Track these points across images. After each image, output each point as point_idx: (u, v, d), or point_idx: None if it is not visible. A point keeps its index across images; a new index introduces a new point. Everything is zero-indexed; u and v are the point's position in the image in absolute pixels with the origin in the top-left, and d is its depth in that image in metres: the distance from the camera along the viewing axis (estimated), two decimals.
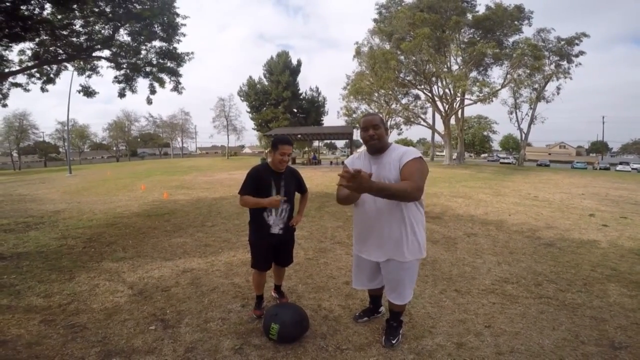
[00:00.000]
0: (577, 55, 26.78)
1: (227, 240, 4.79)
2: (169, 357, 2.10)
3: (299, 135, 30.49)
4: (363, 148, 2.25)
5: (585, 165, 39.53)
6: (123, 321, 2.53)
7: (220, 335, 2.33)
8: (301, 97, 43.78)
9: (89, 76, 9.40)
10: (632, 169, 38.84)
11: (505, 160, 45.51)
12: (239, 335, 2.33)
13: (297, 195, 2.76)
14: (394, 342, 2.21)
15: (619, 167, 39.20)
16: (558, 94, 29.17)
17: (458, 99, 28.36)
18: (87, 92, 9.15)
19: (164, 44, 8.95)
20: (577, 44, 26.36)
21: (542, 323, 2.53)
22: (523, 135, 34.29)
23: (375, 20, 30.18)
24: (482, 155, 67.81)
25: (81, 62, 9.11)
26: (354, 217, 2.24)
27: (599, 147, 67.25)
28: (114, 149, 65.68)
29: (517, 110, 32.92)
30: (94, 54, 8.69)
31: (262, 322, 2.30)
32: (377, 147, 2.04)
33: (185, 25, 8.81)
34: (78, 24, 7.80)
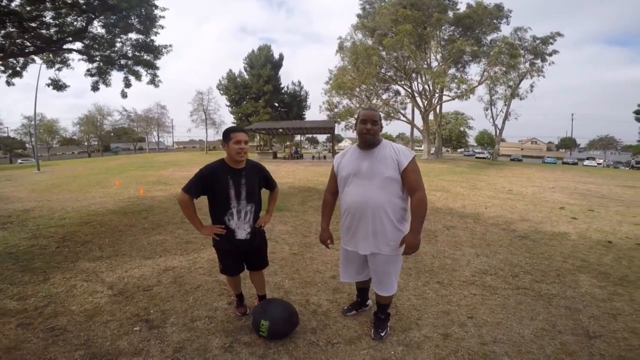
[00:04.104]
0: (551, 54, 27.89)
1: (209, 237, 4.71)
2: (157, 358, 2.05)
3: (281, 130, 30.27)
4: (352, 144, 2.29)
5: (555, 160, 41.48)
6: (105, 322, 2.44)
7: (208, 334, 2.30)
8: (283, 91, 43.40)
9: (59, 69, 8.90)
10: (598, 163, 41.17)
11: (481, 155, 47.02)
12: (227, 333, 2.30)
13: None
14: (382, 334, 2.25)
15: (586, 162, 41.39)
16: (531, 91, 30.29)
17: (437, 95, 28.94)
18: (57, 85, 8.68)
19: (141, 36, 8.59)
20: (552, 43, 27.46)
21: (521, 313, 2.64)
22: (497, 131, 35.59)
23: (358, 16, 30.23)
24: (459, 150, 69.72)
25: (50, 55, 8.61)
26: (340, 210, 2.27)
27: (568, 143, 70.60)
28: (85, 144, 62.84)
29: (493, 107, 34.15)
30: (64, 47, 8.23)
31: (251, 319, 2.28)
32: (370, 141, 2.08)
33: (163, 17, 8.49)
34: (48, 16, 7.35)
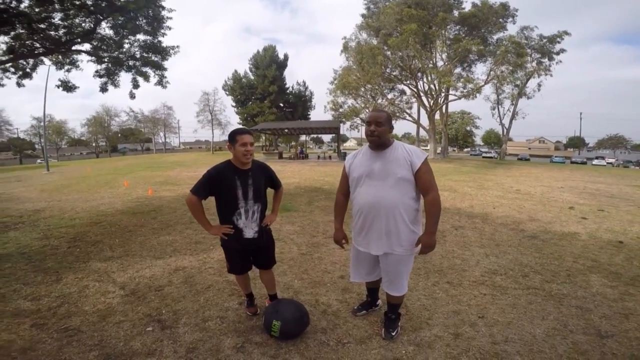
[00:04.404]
0: (558, 53, 27.49)
1: (218, 237, 4.73)
2: (171, 358, 2.07)
3: (286, 130, 30.37)
4: (364, 145, 2.31)
5: (563, 159, 40.95)
6: (118, 323, 2.47)
7: (220, 334, 2.32)
8: (288, 91, 43.55)
9: (68, 70, 9.02)
10: (607, 163, 40.57)
11: (488, 155, 46.61)
12: (239, 334, 2.32)
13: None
14: (393, 334, 2.26)
15: (595, 162, 40.79)
16: (539, 90, 29.95)
17: (443, 94, 28.74)
18: (67, 86, 8.79)
19: (149, 37, 8.68)
20: (559, 42, 27.05)
21: (531, 313, 2.62)
22: (504, 130, 35.28)
23: (363, 16, 30.16)
24: (465, 149, 69.25)
25: (59, 56, 8.73)
26: (352, 211, 2.28)
27: (576, 142, 69.68)
28: (93, 144, 63.62)
29: (499, 106, 33.87)
30: (73, 48, 8.33)
31: (263, 320, 2.29)
32: (376, 142, 2.11)
33: (171, 18, 8.58)
34: (57, 17, 7.45)
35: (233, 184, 2.22)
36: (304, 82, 44.98)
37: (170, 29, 8.75)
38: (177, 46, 9.26)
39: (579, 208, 7.14)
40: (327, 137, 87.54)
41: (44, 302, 2.82)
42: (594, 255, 4.06)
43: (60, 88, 8.84)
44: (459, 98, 26.90)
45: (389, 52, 26.54)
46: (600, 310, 2.69)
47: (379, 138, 2.08)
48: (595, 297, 2.92)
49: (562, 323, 2.48)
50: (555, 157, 43.49)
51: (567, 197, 8.78)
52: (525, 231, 5.18)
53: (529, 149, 69.27)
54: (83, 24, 7.91)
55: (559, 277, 3.36)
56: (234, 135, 2.23)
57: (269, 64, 41.04)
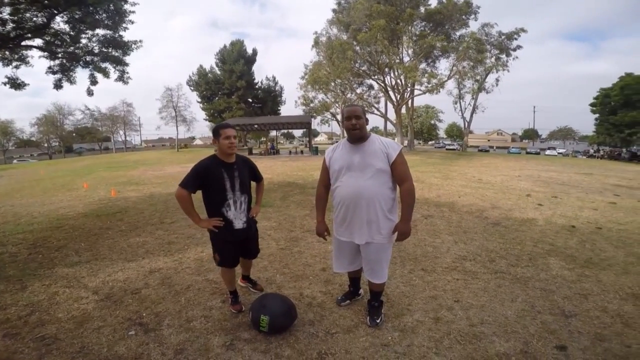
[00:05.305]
0: (515, 49, 29.14)
1: (192, 236, 4.60)
2: None
3: (256, 125, 29.87)
4: (343, 139, 2.37)
5: (519, 150, 43.74)
6: (97, 328, 2.37)
7: (207, 334, 2.29)
8: (257, 86, 42.76)
9: (17, 67, 8.22)
10: (558, 153, 43.90)
11: (451, 147, 48.70)
12: (226, 332, 2.31)
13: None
14: (378, 321, 2.36)
15: (548, 152, 43.94)
16: (497, 85, 31.71)
17: (409, 89, 29.63)
18: (15, 84, 8.02)
19: (109, 31, 8.14)
20: (516, 39, 28.66)
21: (501, 296, 2.81)
22: (466, 124, 37.04)
23: (334, 11, 30.44)
24: (430, 142, 71.85)
25: (6, 52, 7.95)
26: (333, 202, 2.34)
27: (530, 134, 74.54)
28: (45, 145, 58.96)
29: (461, 100, 35.51)
30: (23, 43, 7.60)
31: (250, 316, 2.29)
32: (358, 135, 2.18)
33: (134, 12, 8.10)
34: (5, 12, 6.76)
35: (220, 175, 2.34)
36: (274, 77, 44.50)
37: (132, 22, 8.25)
38: (140, 40, 8.76)
39: (535, 195, 7.67)
40: (298, 132, 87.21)
41: (12, 311, 2.64)
42: (551, 239, 4.35)
43: (8, 85, 8.06)
44: (424, 93, 27.87)
45: (358, 48, 26.92)
46: (562, 291, 2.89)
47: (361, 130, 2.16)
48: (556, 279, 3.14)
49: (530, 304, 2.66)
50: (512, 148, 46.35)
51: (524, 185, 9.41)
52: (489, 218, 5.49)
53: (488, 140, 72.95)
54: (35, 19, 7.22)
55: (522, 261, 3.60)
56: (217, 130, 2.36)
57: (237, 59, 40.00)
